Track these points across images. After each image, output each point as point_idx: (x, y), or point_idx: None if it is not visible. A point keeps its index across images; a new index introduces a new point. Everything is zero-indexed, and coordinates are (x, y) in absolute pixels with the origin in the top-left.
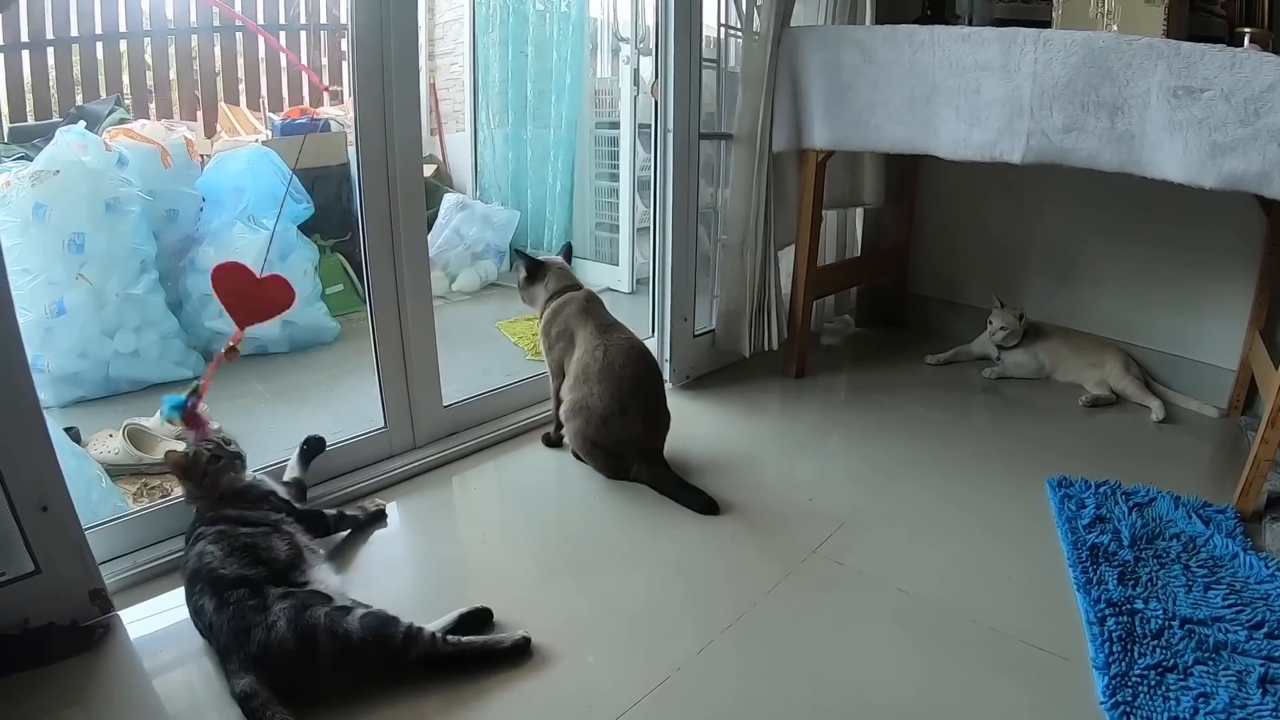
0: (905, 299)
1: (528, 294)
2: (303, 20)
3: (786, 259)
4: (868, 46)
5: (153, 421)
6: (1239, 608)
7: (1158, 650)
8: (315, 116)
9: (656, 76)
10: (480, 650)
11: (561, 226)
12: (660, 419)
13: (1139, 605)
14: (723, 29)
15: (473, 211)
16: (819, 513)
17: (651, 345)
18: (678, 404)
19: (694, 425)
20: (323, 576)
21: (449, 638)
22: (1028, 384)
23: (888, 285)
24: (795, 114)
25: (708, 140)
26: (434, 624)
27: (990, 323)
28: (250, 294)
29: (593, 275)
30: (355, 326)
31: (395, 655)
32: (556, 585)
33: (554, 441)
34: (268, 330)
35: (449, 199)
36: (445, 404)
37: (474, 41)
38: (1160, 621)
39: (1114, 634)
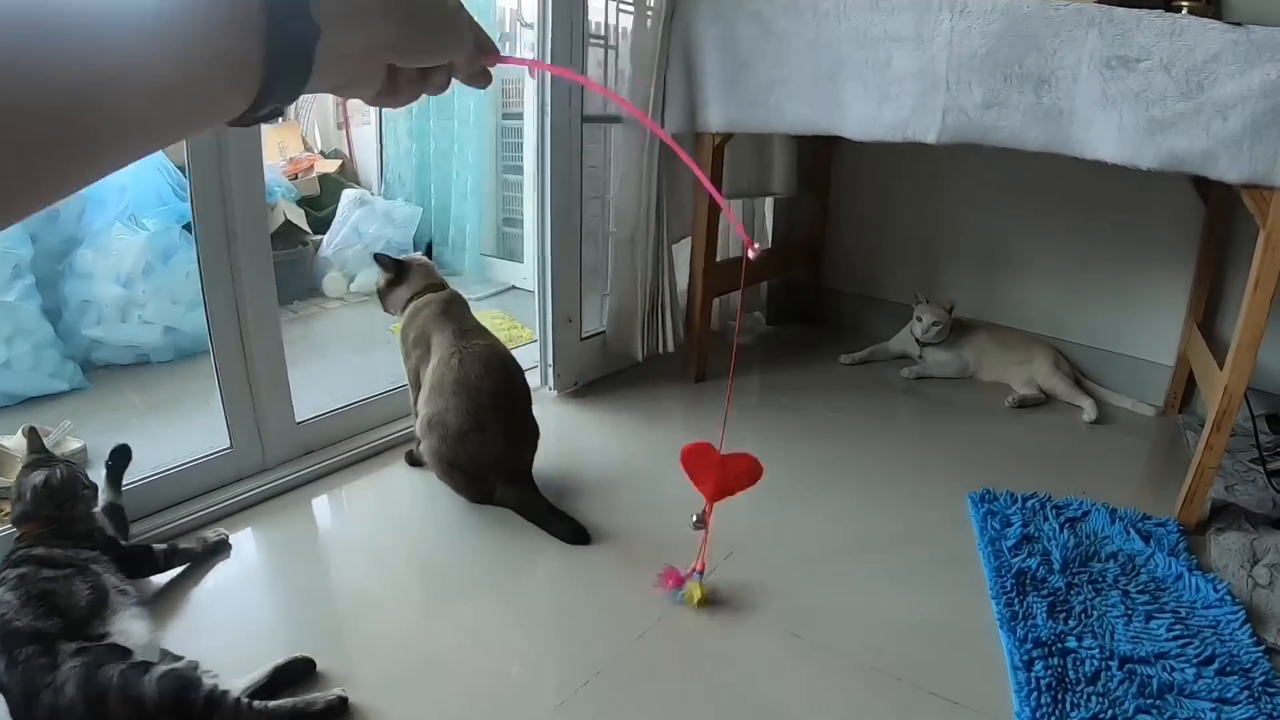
0: (820, 295)
1: (391, 299)
2: None
3: (687, 253)
4: (767, 18)
5: (13, 441)
6: (1185, 640)
7: (1094, 699)
8: None
9: (535, 54)
10: (289, 714)
11: (467, 222)
12: (524, 436)
13: (1071, 643)
14: (613, 3)
15: (372, 208)
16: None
17: (532, 350)
18: (563, 414)
19: (579, 438)
20: (127, 625)
21: (255, 703)
22: (951, 384)
23: (801, 280)
24: (689, 94)
25: (594, 124)
26: (245, 679)
27: (918, 319)
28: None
29: (501, 273)
30: None
31: None
32: (401, 629)
33: (417, 460)
34: (148, 337)
35: (348, 195)
36: (299, 420)
37: None
38: (1096, 662)
39: (1042, 681)
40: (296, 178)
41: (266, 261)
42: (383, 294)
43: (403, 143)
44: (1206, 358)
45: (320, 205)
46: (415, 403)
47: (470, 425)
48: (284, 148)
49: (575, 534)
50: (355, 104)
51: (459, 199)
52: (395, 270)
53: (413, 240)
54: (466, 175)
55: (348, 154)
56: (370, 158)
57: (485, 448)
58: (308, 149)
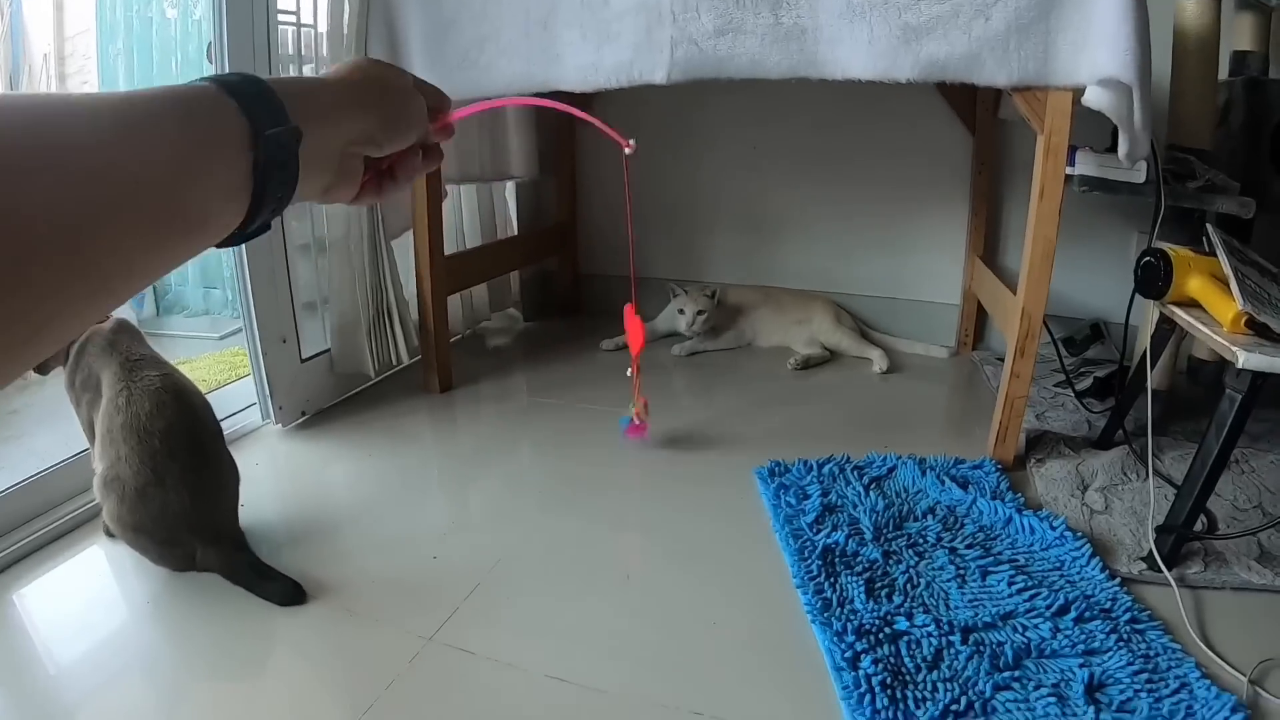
0: (578, 282)
1: None
2: None
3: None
4: None
5: None
6: (1031, 591)
7: (940, 687)
8: None
9: (212, 37)
10: None
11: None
12: (214, 484)
13: (901, 624)
14: None
15: None
16: (446, 576)
17: (246, 384)
18: (290, 450)
19: (310, 476)
20: None
21: None
22: (728, 355)
23: (556, 269)
24: None
25: None
26: None
27: (680, 311)
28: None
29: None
30: None
31: None
32: None
33: (111, 530)
34: None
35: None
36: None
37: (101, 54)
38: (935, 641)
39: (873, 679)
40: None
41: None
42: None
43: None
44: (996, 287)
45: None
46: (93, 459)
47: (147, 478)
48: None
49: (286, 594)
50: None
51: None
52: None
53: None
54: None
55: None
56: None
57: (169, 505)
58: None
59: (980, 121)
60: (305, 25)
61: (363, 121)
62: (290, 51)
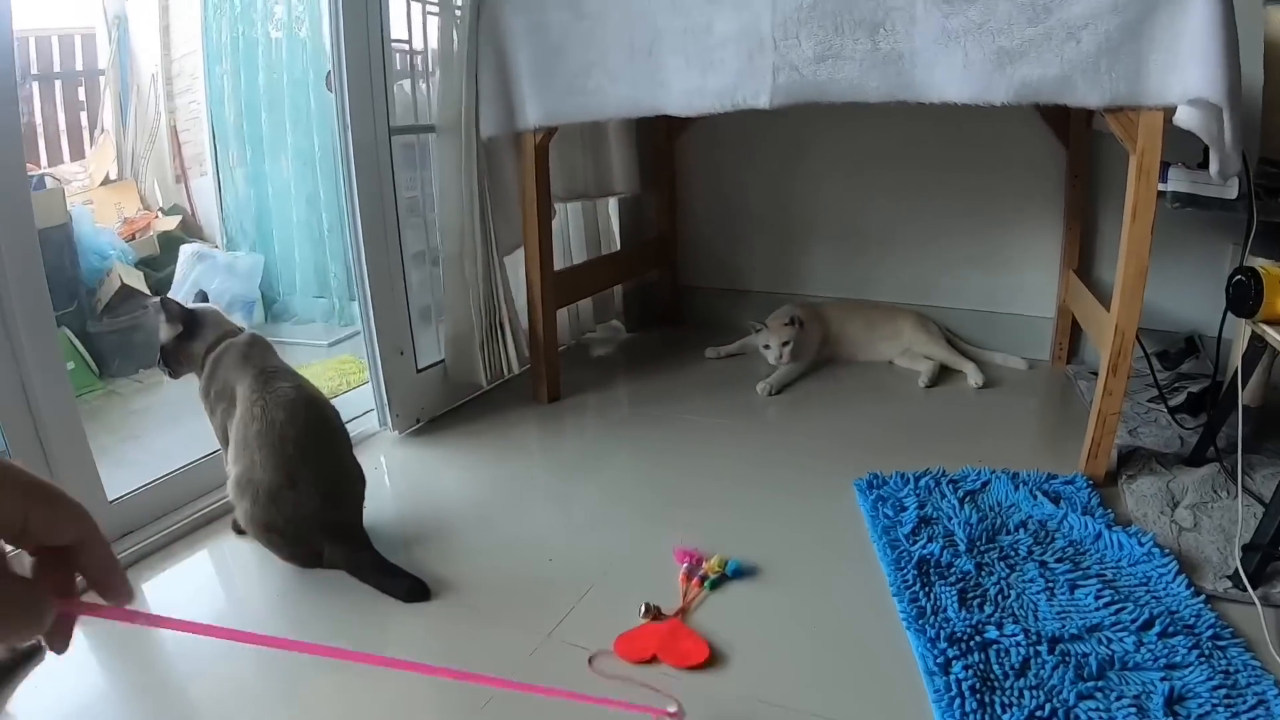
0: (679, 294)
1: (184, 354)
2: None
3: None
4: None
5: None
6: (1118, 605)
7: (1027, 694)
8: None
9: (331, 66)
10: None
11: (312, 265)
12: (343, 487)
13: (991, 633)
14: (416, 4)
15: (214, 262)
16: (561, 577)
17: (364, 391)
18: (406, 456)
19: (425, 480)
20: None
21: None
22: (826, 370)
23: (657, 281)
24: (503, 92)
25: (404, 135)
26: None
27: (766, 347)
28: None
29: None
30: (92, 408)
31: None
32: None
33: (241, 527)
34: None
35: (185, 250)
36: (111, 499)
37: (208, 75)
38: (1023, 650)
39: (963, 684)
40: (134, 238)
41: (50, 333)
42: (170, 353)
43: (240, 189)
44: (1090, 302)
45: (161, 265)
46: (226, 463)
47: (281, 481)
48: (121, 208)
49: (411, 591)
50: (192, 153)
51: (300, 242)
52: (186, 321)
53: (259, 291)
54: (320, 214)
55: (189, 208)
56: (213, 210)
57: (300, 506)
58: (145, 207)
59: (1074, 134)
60: (417, 51)
61: None
62: (400, 67)
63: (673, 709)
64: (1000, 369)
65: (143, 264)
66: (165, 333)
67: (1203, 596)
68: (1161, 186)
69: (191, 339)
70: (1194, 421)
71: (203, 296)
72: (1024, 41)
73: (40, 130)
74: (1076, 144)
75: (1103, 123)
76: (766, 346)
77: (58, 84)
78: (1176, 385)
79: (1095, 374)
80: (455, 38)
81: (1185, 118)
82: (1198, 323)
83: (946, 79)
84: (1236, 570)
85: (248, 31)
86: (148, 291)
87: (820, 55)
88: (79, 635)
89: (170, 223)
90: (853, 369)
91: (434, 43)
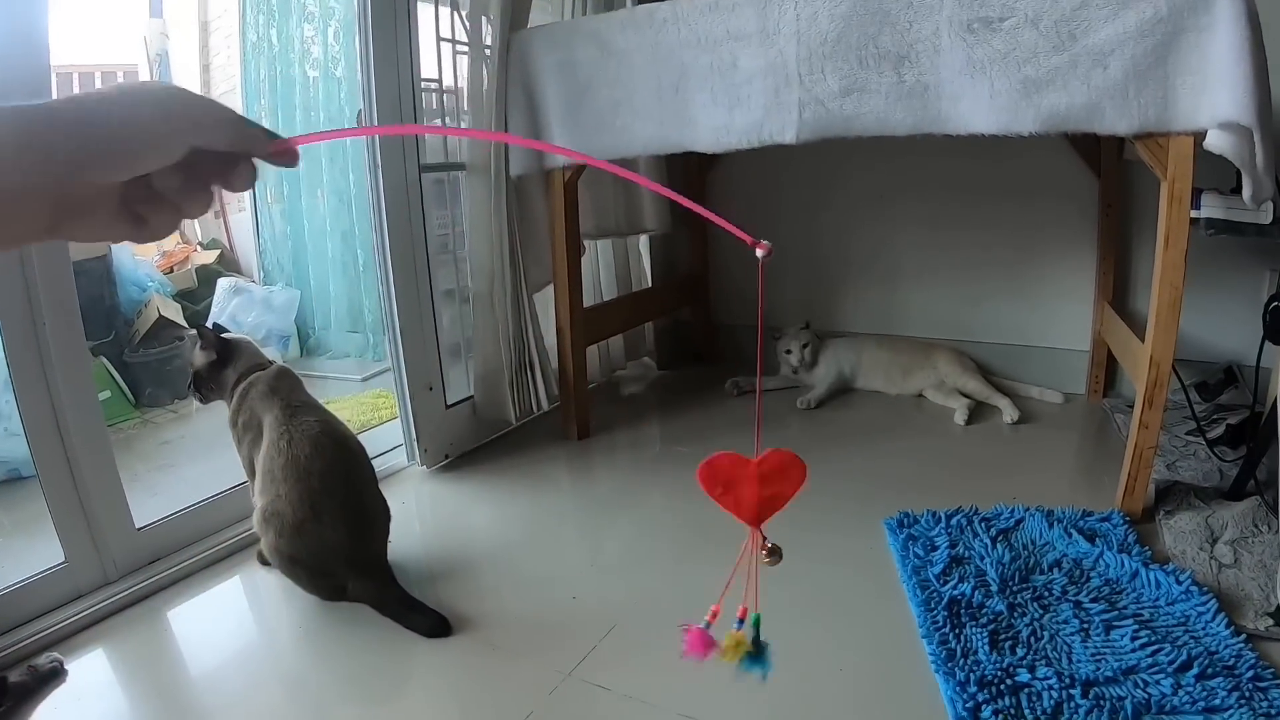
0: (712, 331)
1: (215, 383)
2: None
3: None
4: (604, 37)
5: None
6: (1155, 646)
7: None
8: None
9: (362, 106)
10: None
11: (347, 301)
12: (367, 521)
13: (1023, 676)
14: (446, 44)
15: (250, 296)
16: (584, 615)
17: (394, 425)
18: (435, 491)
19: (452, 516)
20: None
21: None
22: (854, 406)
23: (689, 319)
24: (532, 130)
25: (434, 173)
26: None
27: (787, 352)
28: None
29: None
30: (126, 436)
31: None
32: None
33: (266, 559)
34: (14, 449)
35: (223, 284)
36: (139, 526)
37: (246, 112)
38: (1055, 694)
39: None
40: (172, 271)
41: (83, 360)
42: (203, 379)
43: (277, 224)
44: (1125, 334)
45: (198, 298)
46: (253, 494)
47: (305, 514)
48: (160, 242)
49: (434, 626)
50: None
51: (335, 277)
52: (221, 350)
53: (294, 325)
54: (355, 250)
55: (227, 243)
56: (250, 244)
57: (325, 538)
58: (184, 240)
59: (1106, 163)
60: (448, 90)
61: (40, 174)
62: (434, 107)
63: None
64: (1036, 404)
65: (180, 297)
66: (200, 359)
67: (1243, 636)
68: (1195, 214)
69: (224, 367)
70: (1233, 454)
71: (219, 328)
72: (1050, 70)
73: None
74: (1109, 173)
75: (1134, 152)
76: (788, 351)
77: None
78: (1215, 417)
79: (1132, 407)
80: (485, 76)
81: (1216, 141)
82: (1236, 352)
83: (973, 110)
84: (1278, 608)
85: (285, 70)
86: (184, 324)
87: (845, 89)
88: (101, 657)
89: (208, 257)
90: (885, 405)
91: (464, 82)
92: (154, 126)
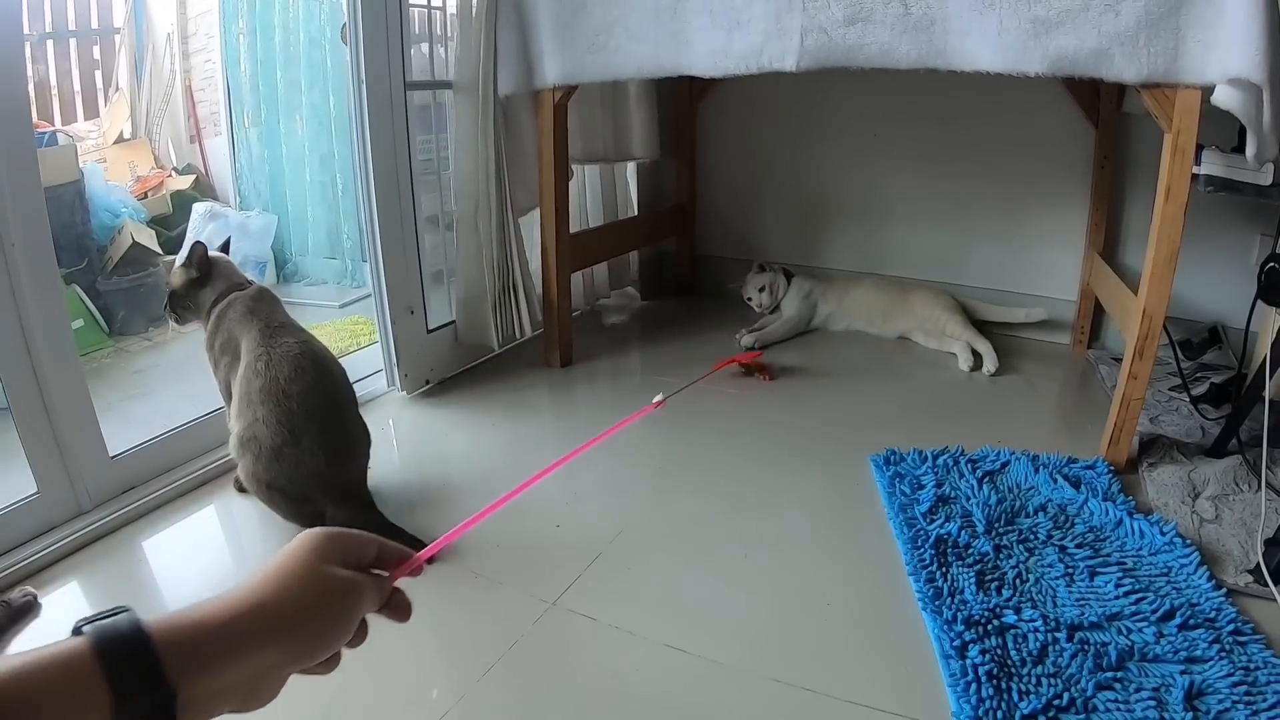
0: (695, 263)
1: (192, 303)
2: None
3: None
4: None
5: None
6: (1138, 595)
7: (1044, 681)
8: (40, 129)
9: (346, 18)
10: None
11: (325, 226)
12: (347, 446)
13: (1010, 617)
14: None
15: (225, 220)
16: (569, 544)
17: (374, 350)
18: (415, 417)
19: (432, 442)
20: None
21: None
22: (838, 344)
23: (674, 250)
24: (522, 48)
25: (419, 90)
26: None
27: (748, 299)
28: None
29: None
30: (99, 365)
31: None
32: None
33: (243, 485)
34: None
35: (198, 209)
36: (112, 454)
37: (224, 33)
38: (1041, 636)
39: (980, 669)
40: (146, 197)
41: (55, 287)
42: (179, 298)
43: (254, 148)
44: (1116, 286)
45: (173, 224)
46: (229, 419)
47: (284, 439)
48: (134, 166)
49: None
50: (206, 112)
51: (314, 202)
52: (205, 268)
53: (271, 251)
54: (334, 174)
55: (202, 168)
56: (226, 169)
57: (304, 463)
58: (159, 166)
59: (1104, 114)
60: (435, 7)
61: (273, 652)
62: (419, 31)
63: (658, 398)
64: (1019, 353)
65: (154, 222)
66: (178, 277)
67: (1224, 590)
68: (1194, 169)
69: (203, 286)
70: (1216, 412)
71: (224, 246)
72: (1061, 12)
73: (54, 88)
74: (1107, 124)
75: (1133, 104)
76: (748, 299)
77: (73, 42)
78: (1199, 375)
79: (1116, 359)
80: None
81: (1224, 97)
82: (1221, 313)
83: (979, 47)
84: (1258, 565)
85: None
86: (158, 250)
87: (850, 18)
88: (76, 590)
89: (183, 182)
90: (867, 346)
91: (452, 3)
92: (353, 613)
